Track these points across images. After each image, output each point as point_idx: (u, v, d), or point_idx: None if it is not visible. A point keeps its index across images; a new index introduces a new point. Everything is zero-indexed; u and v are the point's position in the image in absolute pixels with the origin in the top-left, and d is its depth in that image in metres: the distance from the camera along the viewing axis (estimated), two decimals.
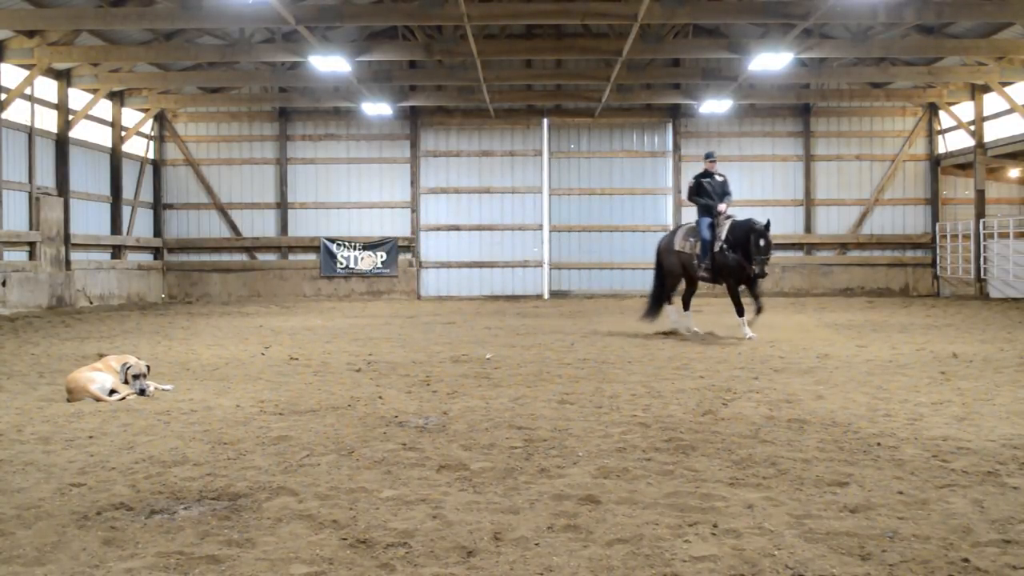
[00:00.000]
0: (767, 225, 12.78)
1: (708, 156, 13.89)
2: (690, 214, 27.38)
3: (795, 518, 4.11)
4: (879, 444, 5.65)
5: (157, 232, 27.60)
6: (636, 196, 27.53)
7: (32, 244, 21.04)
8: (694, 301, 14.51)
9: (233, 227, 27.62)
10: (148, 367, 7.98)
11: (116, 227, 25.19)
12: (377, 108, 25.12)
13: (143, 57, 21.57)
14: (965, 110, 25.61)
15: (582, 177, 27.64)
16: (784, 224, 27.39)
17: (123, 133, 25.33)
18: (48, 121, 22.22)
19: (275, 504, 4.41)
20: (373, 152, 27.71)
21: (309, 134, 27.75)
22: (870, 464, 5.13)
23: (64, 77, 22.39)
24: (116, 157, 25.15)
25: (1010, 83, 22.86)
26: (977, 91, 24.73)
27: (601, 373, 9.22)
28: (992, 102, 24.44)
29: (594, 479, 4.85)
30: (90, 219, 24.01)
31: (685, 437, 5.89)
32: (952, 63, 23.37)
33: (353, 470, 5.09)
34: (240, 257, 27.75)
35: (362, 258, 27.28)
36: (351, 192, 27.58)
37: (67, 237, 22.46)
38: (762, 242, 12.59)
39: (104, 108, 24.68)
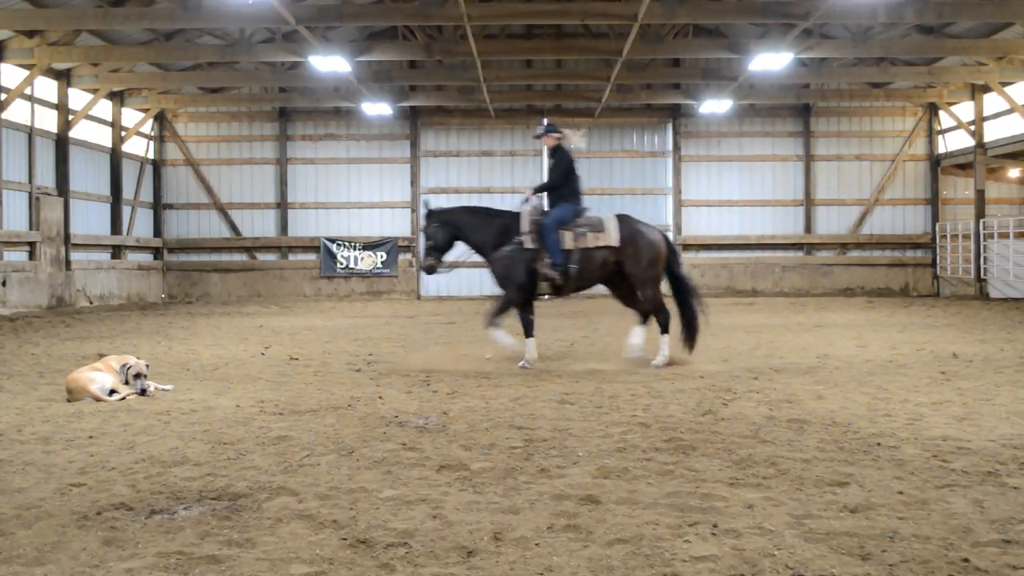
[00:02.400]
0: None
1: (542, 131, 10.48)
2: (691, 213, 27.54)
3: (795, 518, 4.11)
4: (879, 444, 5.65)
5: (157, 232, 27.60)
6: (636, 196, 27.51)
7: (32, 244, 21.03)
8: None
9: (233, 227, 27.62)
10: (147, 366, 7.98)
11: (116, 227, 25.19)
12: (377, 108, 25.12)
13: (143, 57, 21.58)
14: (965, 110, 25.60)
15: (582, 177, 27.58)
16: (784, 224, 27.42)
17: (123, 133, 25.32)
18: (48, 121, 22.21)
19: (275, 504, 4.41)
20: (373, 152, 27.71)
21: (309, 134, 27.74)
22: (870, 464, 5.13)
23: (64, 77, 22.38)
24: (116, 157, 25.14)
25: (1010, 83, 22.85)
26: (977, 91, 24.72)
27: (601, 373, 9.21)
28: (992, 102, 24.43)
29: (594, 479, 4.85)
30: (90, 219, 24.01)
31: (685, 437, 5.89)
32: (952, 63, 23.36)
33: (353, 470, 5.09)
34: (240, 257, 27.75)
35: (362, 258, 27.28)
36: (351, 192, 27.57)
37: (67, 237, 22.45)
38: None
39: (104, 108, 24.67)
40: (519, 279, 9.89)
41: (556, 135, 10.22)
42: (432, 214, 10.34)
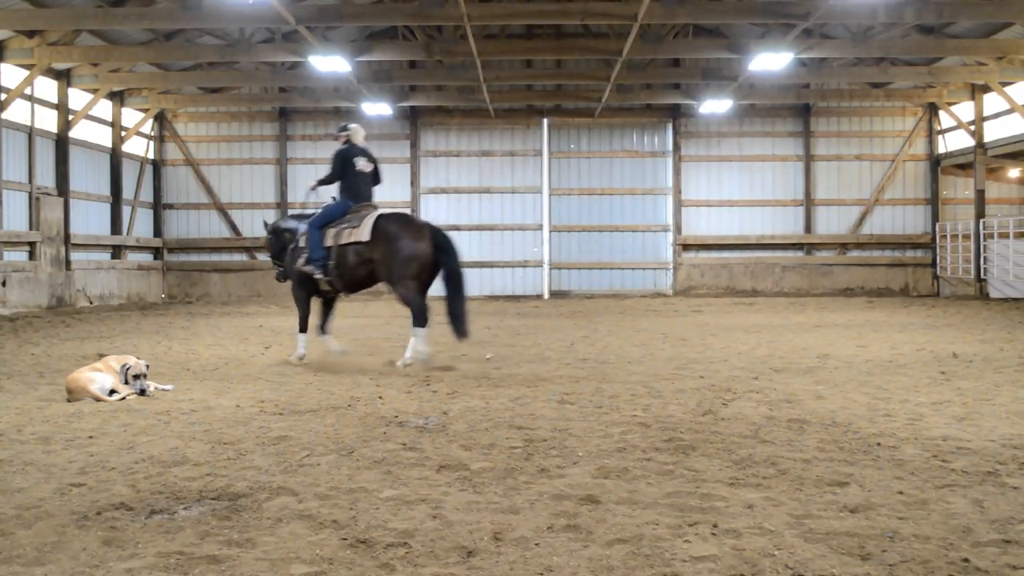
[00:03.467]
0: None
1: (335, 131, 10.95)
2: (691, 213, 27.55)
3: (795, 518, 4.11)
4: (879, 444, 5.65)
5: (157, 232, 27.60)
6: (636, 196, 27.53)
7: (32, 244, 21.03)
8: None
9: (233, 227, 27.61)
10: (147, 366, 7.98)
11: (116, 227, 25.19)
12: (377, 108, 25.12)
13: (143, 57, 21.57)
14: (965, 110, 25.61)
15: (582, 177, 27.63)
16: (784, 224, 27.43)
17: (123, 133, 25.32)
18: (48, 121, 22.22)
19: (275, 504, 4.41)
20: (373, 152, 27.65)
21: (309, 134, 27.74)
22: (870, 464, 5.13)
23: (64, 77, 22.38)
24: (116, 157, 25.14)
25: (1010, 83, 22.86)
26: (977, 91, 24.72)
27: (601, 373, 9.22)
28: (992, 102, 24.43)
29: (594, 479, 4.85)
30: (90, 219, 24.01)
31: (685, 437, 5.89)
32: (952, 63, 23.37)
33: (353, 470, 5.09)
34: (240, 257, 27.74)
35: None
36: None
37: (67, 237, 22.45)
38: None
39: (104, 108, 24.67)
40: (296, 278, 10.36)
41: (344, 133, 10.49)
42: (267, 227, 11.20)
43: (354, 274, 10.06)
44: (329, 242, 9.96)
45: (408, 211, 10.61)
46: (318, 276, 10.08)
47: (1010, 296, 22.95)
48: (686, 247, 27.39)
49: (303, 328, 10.32)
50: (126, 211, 25.80)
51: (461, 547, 3.77)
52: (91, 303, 23.27)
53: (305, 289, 10.34)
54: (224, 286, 27.51)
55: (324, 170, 10.88)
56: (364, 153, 10.40)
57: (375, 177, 10.61)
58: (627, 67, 21.75)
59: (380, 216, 9.94)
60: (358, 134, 10.52)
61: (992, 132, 24.57)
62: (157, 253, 27.55)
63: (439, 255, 9.83)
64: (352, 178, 10.26)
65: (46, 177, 21.94)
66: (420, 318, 9.79)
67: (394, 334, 14.30)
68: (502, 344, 12.48)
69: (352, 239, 9.85)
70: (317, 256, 9.97)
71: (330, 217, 10.13)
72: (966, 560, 3.56)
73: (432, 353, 9.78)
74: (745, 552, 3.67)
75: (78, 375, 7.59)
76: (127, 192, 25.81)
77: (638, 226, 27.46)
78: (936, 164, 27.20)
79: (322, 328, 10.54)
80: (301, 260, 10.15)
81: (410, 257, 9.73)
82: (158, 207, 27.65)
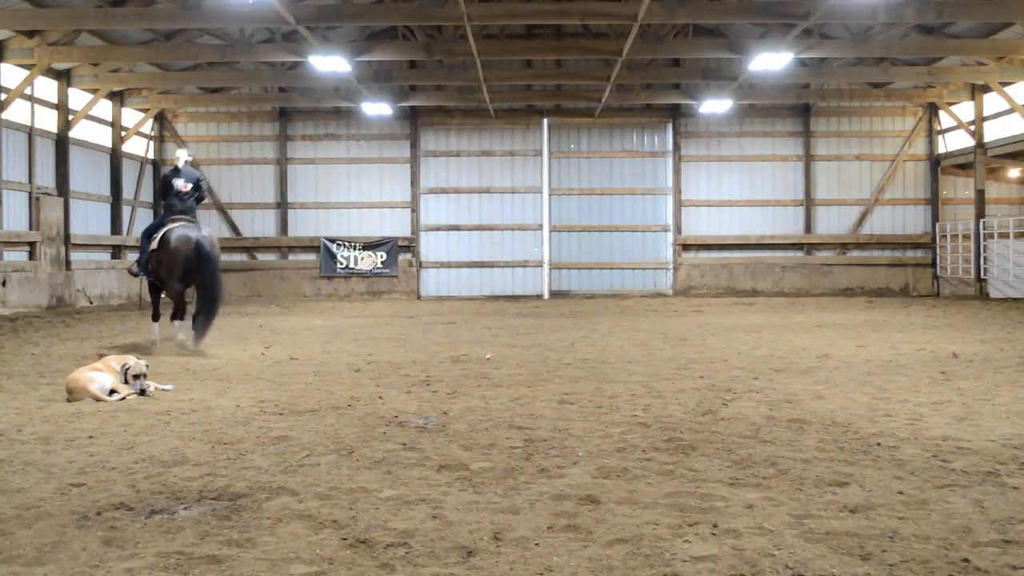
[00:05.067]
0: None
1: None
2: (690, 213, 27.56)
3: (795, 518, 4.11)
4: (879, 444, 5.65)
5: None
6: (636, 196, 27.54)
7: (32, 244, 21.03)
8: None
9: (233, 227, 27.60)
10: (147, 366, 7.98)
11: (116, 227, 25.19)
12: (377, 108, 25.12)
13: (143, 57, 21.56)
14: (965, 110, 25.61)
15: (582, 177, 27.64)
16: (784, 224, 27.43)
17: (123, 133, 25.32)
18: (48, 121, 22.21)
19: (275, 504, 4.41)
20: (373, 152, 27.70)
21: (309, 134, 27.74)
22: (870, 464, 5.13)
23: (64, 77, 22.38)
24: (116, 157, 25.15)
25: (1010, 83, 22.85)
26: (977, 91, 24.73)
27: (601, 373, 9.22)
28: (992, 102, 24.44)
29: (594, 479, 4.85)
30: (90, 219, 24.01)
31: (685, 437, 5.89)
32: (952, 63, 23.37)
33: (353, 470, 5.09)
34: (240, 257, 27.72)
35: (362, 258, 27.27)
36: (351, 192, 27.57)
37: (67, 237, 22.45)
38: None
39: (104, 108, 24.67)
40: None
41: (173, 158, 12.38)
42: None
43: (158, 274, 11.83)
44: (148, 250, 11.86)
45: (200, 225, 12.23)
46: (144, 277, 12.11)
47: (1010, 296, 22.95)
48: (686, 247, 27.39)
49: (153, 318, 12.61)
50: (126, 211, 25.81)
51: (461, 547, 3.77)
52: (91, 303, 23.27)
53: (152, 287, 12.41)
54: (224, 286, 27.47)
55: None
56: (183, 174, 12.08)
57: (196, 194, 12.22)
58: (627, 67, 21.74)
59: (170, 228, 11.61)
60: (180, 159, 12.25)
61: (992, 132, 24.57)
62: None
63: (200, 263, 11.50)
64: (171, 196, 12.04)
65: (46, 177, 21.93)
66: (179, 313, 11.82)
67: (394, 334, 14.31)
68: (502, 344, 12.48)
69: (153, 246, 11.71)
70: (141, 260, 12.03)
71: (152, 228, 12.07)
72: (966, 560, 3.56)
73: (185, 341, 11.52)
74: (745, 552, 3.67)
75: (78, 375, 7.59)
76: (127, 192, 25.82)
77: (638, 226, 27.47)
78: (936, 164, 27.20)
79: (153, 317, 12.61)
80: (131, 262, 11.92)
81: (174, 262, 11.47)
82: (158, 207, 27.61)
